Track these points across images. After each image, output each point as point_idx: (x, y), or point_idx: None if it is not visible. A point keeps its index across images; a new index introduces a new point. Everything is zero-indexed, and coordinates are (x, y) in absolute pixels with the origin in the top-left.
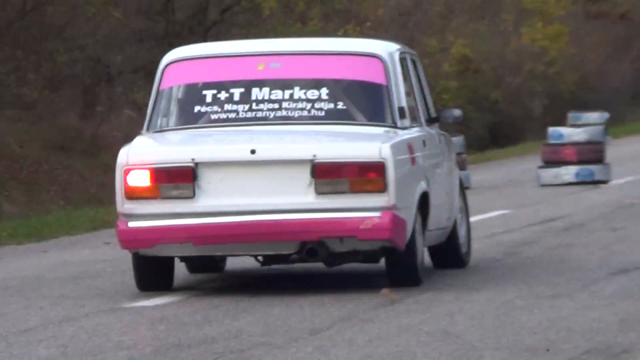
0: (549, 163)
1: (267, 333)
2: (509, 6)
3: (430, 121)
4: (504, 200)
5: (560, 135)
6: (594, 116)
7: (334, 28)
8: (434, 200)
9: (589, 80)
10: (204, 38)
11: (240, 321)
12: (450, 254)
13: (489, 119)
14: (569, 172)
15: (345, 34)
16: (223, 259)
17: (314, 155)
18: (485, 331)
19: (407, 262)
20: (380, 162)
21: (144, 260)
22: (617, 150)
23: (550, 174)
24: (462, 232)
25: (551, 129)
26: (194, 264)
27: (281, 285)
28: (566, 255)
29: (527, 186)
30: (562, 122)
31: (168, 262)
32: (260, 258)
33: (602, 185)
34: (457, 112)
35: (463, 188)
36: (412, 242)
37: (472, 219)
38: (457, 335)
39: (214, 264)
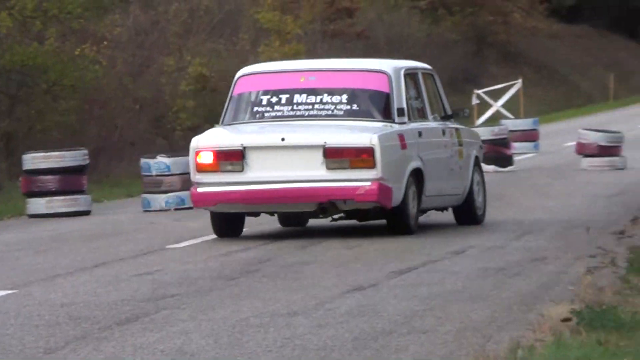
0: None
1: (1, 352)
2: (247, 25)
3: (446, 118)
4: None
5: None
6: None
7: (70, 47)
8: (431, 175)
9: None
10: None
11: None
12: (468, 214)
13: None
14: None
15: (82, 53)
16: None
17: (325, 142)
18: (220, 349)
19: (400, 218)
20: (370, 147)
21: (218, 215)
22: None
23: None
24: (479, 199)
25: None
26: (284, 220)
27: (16, 303)
28: (302, 273)
29: None
30: None
31: (236, 217)
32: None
33: None
34: (466, 112)
35: (480, 167)
36: (404, 204)
37: (208, 237)
38: (192, 353)
39: (299, 220)
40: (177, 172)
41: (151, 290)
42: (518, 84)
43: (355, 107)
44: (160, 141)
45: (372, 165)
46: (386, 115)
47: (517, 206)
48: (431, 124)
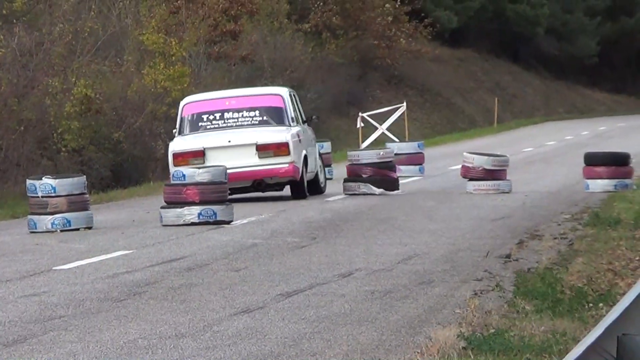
0: (171, 203)
1: None
2: (131, 47)
3: (305, 123)
4: (126, 240)
5: (183, 176)
6: None
7: None
8: (309, 159)
9: None
10: None
11: None
12: (315, 187)
13: (112, 159)
14: (191, 213)
15: None
16: None
17: (257, 141)
18: None
19: (300, 187)
20: (286, 142)
21: None
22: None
23: (173, 214)
24: (321, 178)
25: (174, 170)
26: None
27: None
28: (189, 295)
29: (150, 226)
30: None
31: None
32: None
33: (224, 225)
34: (317, 118)
35: (321, 156)
36: (302, 178)
37: (95, 259)
38: None
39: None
40: (63, 194)
41: (38, 312)
42: (402, 107)
43: (264, 118)
44: (45, 162)
45: (288, 154)
46: (284, 122)
47: (403, 229)
48: (303, 126)
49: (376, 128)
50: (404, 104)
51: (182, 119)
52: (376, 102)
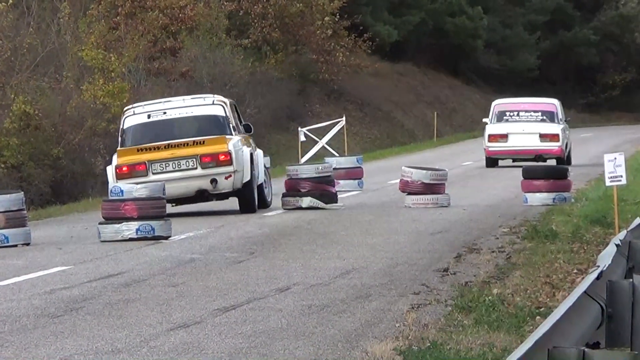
0: (110, 219)
1: None
2: (71, 63)
3: (244, 132)
4: (64, 256)
5: (121, 192)
6: None
7: None
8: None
9: None
10: None
11: None
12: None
13: (51, 175)
14: (129, 228)
15: None
16: None
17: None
18: None
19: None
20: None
21: None
22: (177, 206)
23: (111, 230)
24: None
25: (112, 186)
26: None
27: None
28: (126, 310)
29: (89, 242)
30: None
31: None
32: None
33: (162, 241)
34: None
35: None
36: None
37: (32, 275)
38: None
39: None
40: (1, 210)
41: None
42: (342, 121)
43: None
44: None
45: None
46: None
47: (341, 243)
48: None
49: (316, 142)
50: (343, 118)
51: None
52: (316, 116)
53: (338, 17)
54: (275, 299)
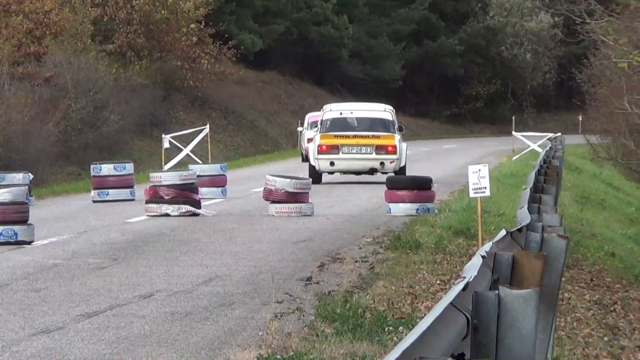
0: None
1: None
2: None
3: (399, 131)
4: None
5: None
6: (18, 177)
7: None
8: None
9: (14, 141)
10: None
11: None
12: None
13: None
14: None
15: None
16: None
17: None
18: None
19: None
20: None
21: None
22: (41, 211)
23: None
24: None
25: None
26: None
27: None
28: None
29: None
30: None
31: None
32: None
33: (25, 246)
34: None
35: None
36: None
37: None
38: None
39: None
40: None
41: None
42: (206, 129)
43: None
44: None
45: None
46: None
47: (204, 251)
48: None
49: (180, 150)
50: (207, 126)
51: None
52: (180, 123)
53: (203, 24)
54: (138, 306)
